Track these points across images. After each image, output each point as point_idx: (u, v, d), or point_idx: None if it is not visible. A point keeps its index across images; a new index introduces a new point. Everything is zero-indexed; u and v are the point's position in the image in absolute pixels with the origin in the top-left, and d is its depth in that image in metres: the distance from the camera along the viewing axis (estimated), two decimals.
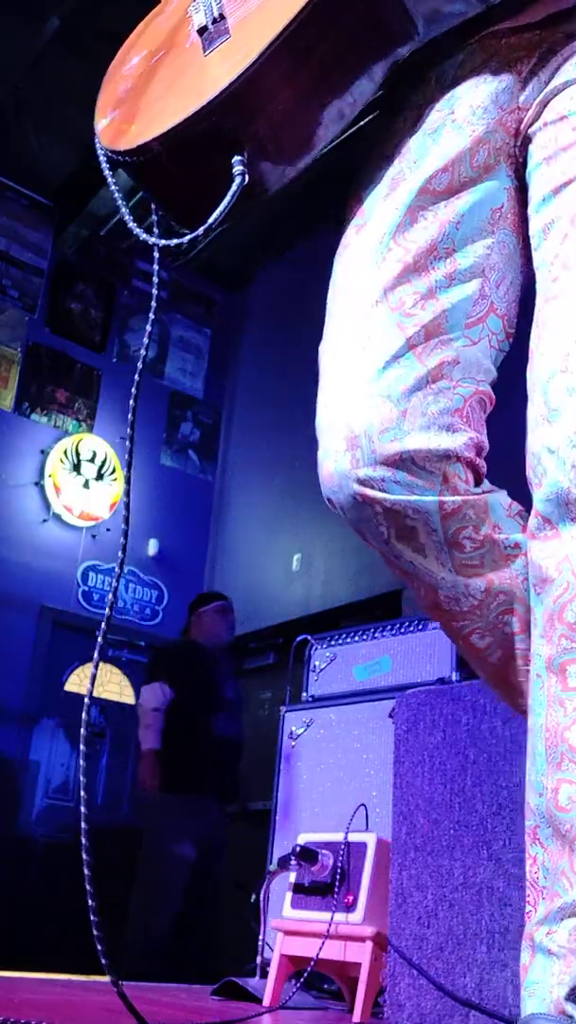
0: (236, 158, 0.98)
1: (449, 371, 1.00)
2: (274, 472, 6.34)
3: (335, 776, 3.20)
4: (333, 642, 3.55)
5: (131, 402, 1.10)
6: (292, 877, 2.35)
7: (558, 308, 0.96)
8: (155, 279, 1.09)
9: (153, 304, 1.11)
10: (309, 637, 3.66)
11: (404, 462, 0.97)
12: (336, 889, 2.21)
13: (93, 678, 1.05)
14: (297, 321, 5.79)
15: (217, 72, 0.99)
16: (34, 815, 5.72)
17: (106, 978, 3.77)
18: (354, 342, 1.02)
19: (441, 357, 1.00)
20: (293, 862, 2.30)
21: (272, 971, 2.33)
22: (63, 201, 6.45)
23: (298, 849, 2.30)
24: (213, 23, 1.04)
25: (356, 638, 3.46)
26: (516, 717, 1.81)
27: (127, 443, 1.08)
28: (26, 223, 6.47)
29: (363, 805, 2.45)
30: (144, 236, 1.06)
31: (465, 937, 1.74)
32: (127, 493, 1.09)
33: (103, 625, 1.03)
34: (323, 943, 2.14)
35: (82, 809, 0.96)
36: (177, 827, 3.96)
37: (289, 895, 2.36)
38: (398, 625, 3.38)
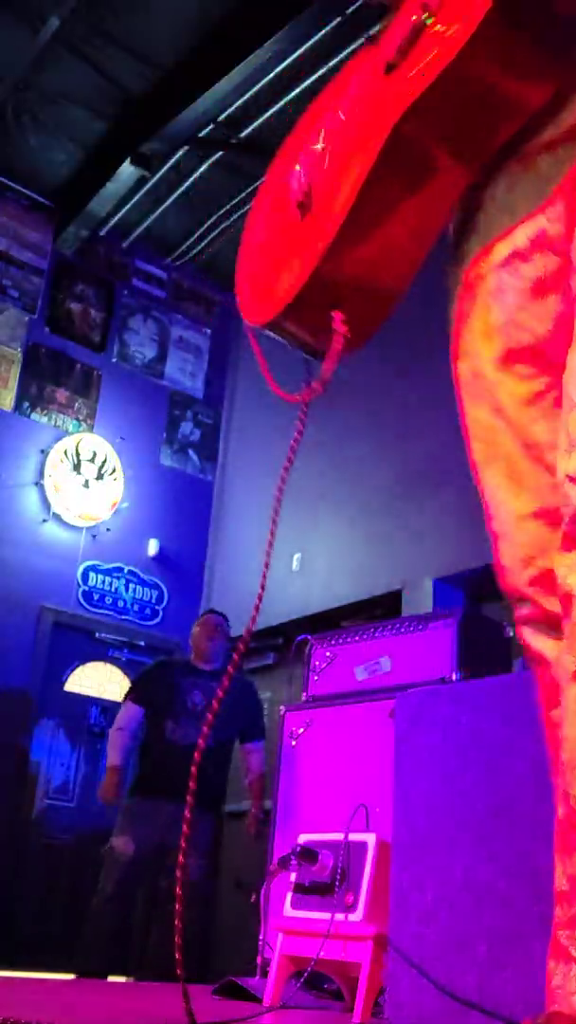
0: (335, 316, 1.13)
1: None
2: (274, 472, 6.33)
3: (335, 776, 3.20)
4: (333, 642, 3.55)
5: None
6: (292, 877, 2.35)
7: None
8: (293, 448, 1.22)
9: (285, 467, 1.24)
10: (309, 637, 3.66)
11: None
12: (336, 889, 2.21)
13: (208, 732, 1.08)
14: None
15: (304, 254, 1.14)
16: (34, 815, 5.72)
17: (104, 978, 3.77)
18: (509, 485, 1.11)
19: None
20: (293, 862, 2.30)
21: (272, 971, 2.33)
22: (63, 201, 6.45)
23: (298, 849, 2.30)
24: (306, 195, 1.17)
25: (356, 638, 3.46)
26: (516, 717, 1.81)
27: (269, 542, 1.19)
28: (26, 223, 6.47)
29: (363, 805, 2.45)
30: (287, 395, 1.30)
31: (465, 937, 1.74)
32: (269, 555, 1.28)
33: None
34: (323, 943, 2.14)
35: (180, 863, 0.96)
36: (122, 825, 4.18)
37: (289, 895, 2.36)
38: (398, 625, 3.38)
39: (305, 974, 2.16)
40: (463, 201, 1.14)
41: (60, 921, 5.50)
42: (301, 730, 3.42)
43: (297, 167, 1.22)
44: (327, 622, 5.33)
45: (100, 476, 6.34)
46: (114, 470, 6.43)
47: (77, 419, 6.42)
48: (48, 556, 6.05)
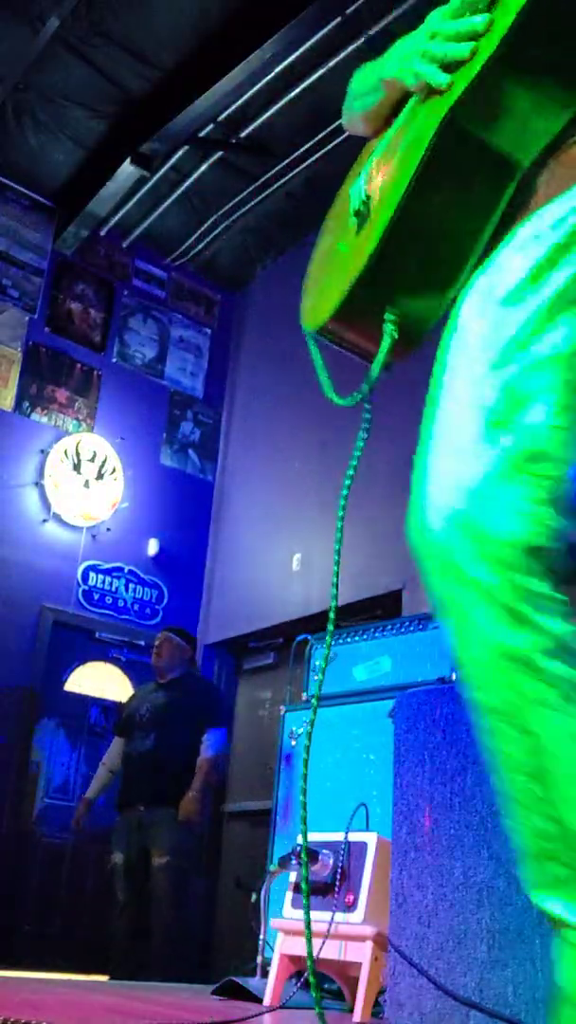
0: (387, 316, 1.15)
1: None
2: (274, 472, 6.34)
3: (335, 776, 3.20)
4: (333, 642, 3.54)
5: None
6: (292, 877, 2.36)
7: None
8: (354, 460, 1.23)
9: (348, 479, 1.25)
10: (309, 637, 3.66)
11: None
12: (336, 889, 2.22)
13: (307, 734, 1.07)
14: (297, 321, 5.78)
15: (358, 257, 1.16)
16: (34, 815, 5.72)
17: (105, 978, 3.77)
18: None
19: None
20: (293, 862, 2.31)
21: (272, 971, 2.33)
22: (63, 201, 6.45)
23: (298, 849, 2.30)
24: (363, 204, 1.20)
25: (356, 638, 3.46)
26: None
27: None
28: (26, 223, 6.47)
29: (363, 805, 2.45)
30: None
31: (465, 937, 1.74)
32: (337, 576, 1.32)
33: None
34: (323, 943, 2.14)
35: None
36: (112, 841, 4.62)
37: (289, 895, 2.36)
38: (398, 625, 3.38)
39: (305, 974, 2.16)
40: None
41: (60, 921, 5.50)
42: (301, 730, 3.42)
43: (360, 179, 1.26)
44: (327, 622, 5.33)
45: (100, 476, 6.34)
46: (114, 470, 6.43)
47: (77, 419, 6.42)
48: (48, 556, 6.05)
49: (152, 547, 6.46)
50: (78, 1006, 2.20)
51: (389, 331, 1.16)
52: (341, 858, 2.25)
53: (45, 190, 6.46)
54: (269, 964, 2.40)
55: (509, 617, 0.95)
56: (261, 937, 2.73)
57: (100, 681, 6.19)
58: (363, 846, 2.25)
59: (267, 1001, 2.31)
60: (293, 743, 3.44)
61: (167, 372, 6.97)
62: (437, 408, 1.10)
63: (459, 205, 1.14)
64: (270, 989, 2.31)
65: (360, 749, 3.17)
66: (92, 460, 6.33)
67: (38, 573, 5.97)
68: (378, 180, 1.21)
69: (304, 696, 3.58)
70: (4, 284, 6.30)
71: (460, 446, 1.03)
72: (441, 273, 1.17)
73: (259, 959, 2.69)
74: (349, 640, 3.48)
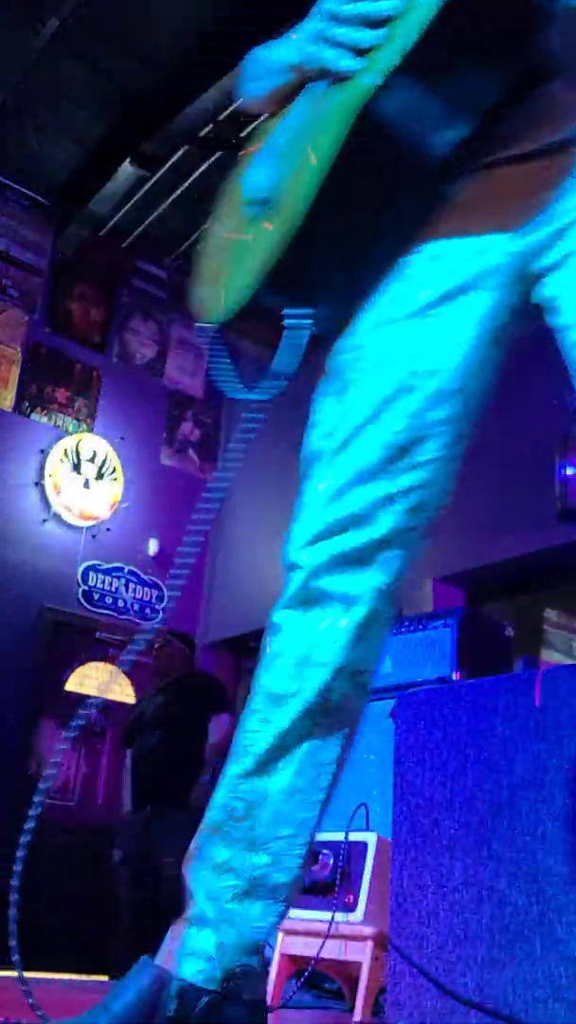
0: (303, 311, 1.13)
1: None
2: (274, 472, 6.34)
3: None
4: None
5: None
6: None
7: None
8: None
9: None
10: None
11: None
12: (337, 888, 2.21)
13: None
14: None
15: (268, 245, 1.11)
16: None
17: (105, 978, 3.75)
18: None
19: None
20: None
21: (272, 971, 2.33)
22: (63, 201, 6.45)
23: None
24: (269, 192, 1.14)
25: None
26: (516, 717, 1.81)
27: None
28: (26, 223, 6.47)
29: (364, 804, 2.45)
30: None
31: (465, 936, 1.74)
32: None
33: None
34: (323, 943, 2.14)
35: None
36: (115, 838, 4.70)
37: None
38: (398, 625, 3.37)
39: (305, 974, 2.16)
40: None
41: (59, 921, 5.49)
42: None
43: (253, 168, 1.22)
44: None
45: (100, 476, 6.34)
46: (114, 470, 6.43)
47: (77, 419, 6.42)
48: (48, 556, 6.05)
49: (152, 547, 6.46)
50: (78, 1006, 2.19)
51: (308, 324, 1.13)
52: (341, 858, 2.25)
53: (45, 190, 6.45)
54: (269, 964, 2.40)
55: None
56: None
57: (100, 681, 6.19)
58: (363, 846, 2.25)
59: (267, 1001, 2.30)
60: None
61: (167, 372, 6.96)
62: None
63: (365, 202, 1.09)
64: (270, 989, 2.31)
65: (360, 749, 3.16)
66: (92, 460, 6.33)
67: (38, 573, 5.96)
68: (284, 168, 1.15)
69: None
70: (4, 284, 6.30)
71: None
72: (345, 272, 1.14)
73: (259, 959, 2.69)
74: None
